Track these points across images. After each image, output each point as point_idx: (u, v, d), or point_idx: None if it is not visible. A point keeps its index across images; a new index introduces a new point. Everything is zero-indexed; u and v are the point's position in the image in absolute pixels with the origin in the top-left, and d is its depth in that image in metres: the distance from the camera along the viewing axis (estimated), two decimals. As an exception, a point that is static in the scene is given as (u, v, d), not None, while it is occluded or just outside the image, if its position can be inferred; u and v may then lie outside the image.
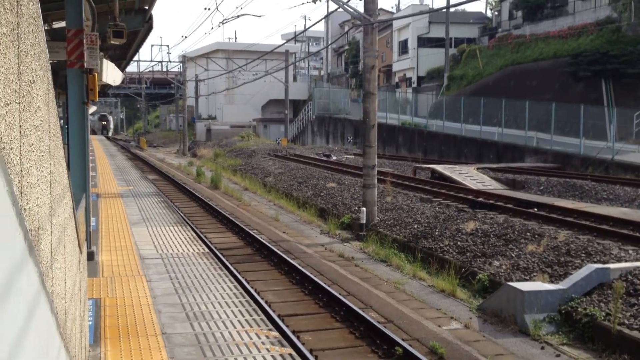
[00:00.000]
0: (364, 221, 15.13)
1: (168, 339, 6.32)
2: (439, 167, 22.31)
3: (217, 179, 24.87)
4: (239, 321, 6.93)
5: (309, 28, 30.14)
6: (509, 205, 15.37)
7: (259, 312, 7.40)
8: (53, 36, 14.12)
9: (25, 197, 2.22)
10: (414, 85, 50.06)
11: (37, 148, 2.51)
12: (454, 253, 12.11)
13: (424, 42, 49.32)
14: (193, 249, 10.79)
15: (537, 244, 11.35)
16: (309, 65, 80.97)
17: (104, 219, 13.70)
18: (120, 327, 6.66)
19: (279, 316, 8.53)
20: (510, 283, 9.17)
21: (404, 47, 52.09)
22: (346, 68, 64.83)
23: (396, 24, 50.98)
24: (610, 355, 7.54)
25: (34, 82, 2.48)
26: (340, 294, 9.50)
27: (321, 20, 60.47)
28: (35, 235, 2.40)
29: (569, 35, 35.11)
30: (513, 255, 11.21)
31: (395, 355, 7.33)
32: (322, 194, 20.00)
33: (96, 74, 9.59)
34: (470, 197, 16.97)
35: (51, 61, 8.98)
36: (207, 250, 10.93)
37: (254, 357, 5.89)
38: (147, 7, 14.47)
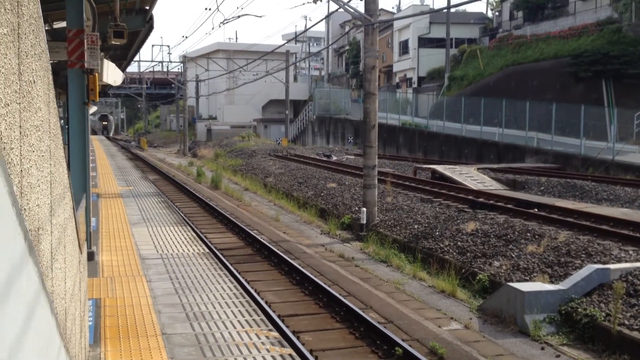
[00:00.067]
0: (365, 221, 15.13)
1: (168, 339, 6.33)
2: (439, 168, 22.30)
3: (217, 179, 24.86)
4: (239, 321, 6.93)
5: (309, 28, 30.16)
6: (510, 206, 15.36)
7: (259, 312, 7.41)
8: (54, 36, 14.11)
9: (25, 197, 2.22)
10: (415, 85, 50.05)
11: (37, 148, 2.51)
12: (454, 253, 12.11)
13: (425, 42, 49.32)
14: (193, 249, 10.79)
15: (537, 245, 11.34)
16: (309, 66, 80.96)
17: (104, 219, 13.70)
18: (120, 328, 6.66)
19: (279, 316, 8.53)
20: (511, 283, 9.17)
21: (404, 48, 52.07)
22: (347, 68, 64.80)
23: (397, 25, 50.98)
24: (610, 356, 7.54)
25: (34, 82, 2.48)
26: (340, 295, 9.50)
27: (322, 20, 60.41)
28: (35, 235, 2.40)
29: (570, 36, 35.08)
30: (513, 255, 11.20)
31: (395, 356, 7.33)
32: (322, 194, 19.99)
33: (97, 74, 9.59)
34: (470, 197, 16.95)
35: (52, 61, 8.98)
36: (207, 250, 10.93)
37: (254, 358, 5.89)
38: (147, 8, 14.47)
